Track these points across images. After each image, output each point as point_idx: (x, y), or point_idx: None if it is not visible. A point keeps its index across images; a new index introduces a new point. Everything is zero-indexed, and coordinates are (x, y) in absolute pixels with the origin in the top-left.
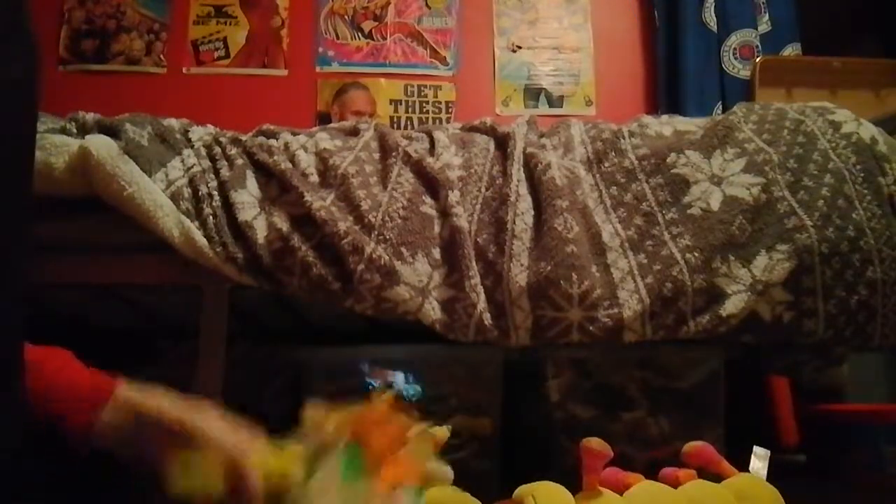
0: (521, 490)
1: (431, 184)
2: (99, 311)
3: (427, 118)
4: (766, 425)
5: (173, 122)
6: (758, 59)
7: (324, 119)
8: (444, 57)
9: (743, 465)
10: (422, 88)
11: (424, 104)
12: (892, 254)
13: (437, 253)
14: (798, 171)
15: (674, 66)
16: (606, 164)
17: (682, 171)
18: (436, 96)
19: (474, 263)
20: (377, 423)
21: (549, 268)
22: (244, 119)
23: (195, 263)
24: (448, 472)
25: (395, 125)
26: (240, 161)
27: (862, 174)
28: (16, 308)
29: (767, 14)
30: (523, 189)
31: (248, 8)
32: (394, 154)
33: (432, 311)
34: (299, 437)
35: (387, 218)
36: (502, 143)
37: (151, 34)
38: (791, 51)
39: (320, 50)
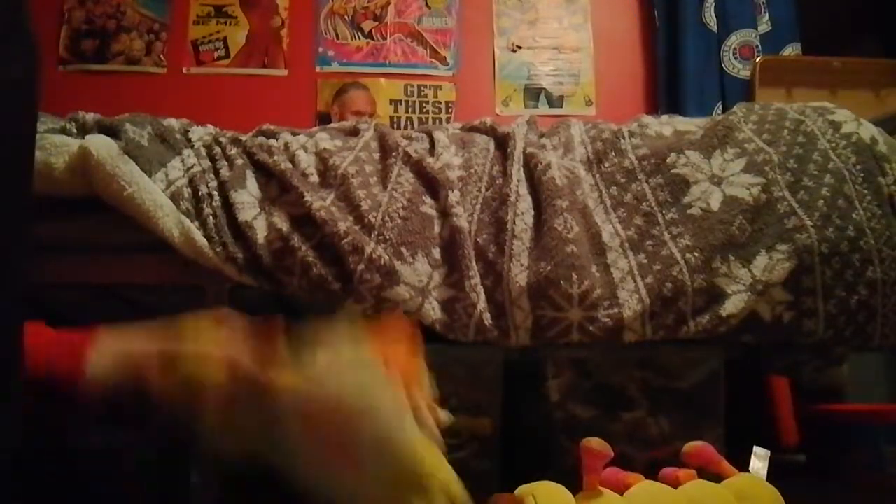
0: (521, 490)
1: (431, 184)
2: (99, 311)
3: (427, 118)
4: (766, 425)
5: (173, 122)
6: (758, 59)
7: (324, 119)
8: (444, 57)
9: (743, 465)
10: (422, 88)
11: (424, 104)
12: (892, 254)
13: (437, 253)
14: (798, 171)
15: (674, 66)
16: (606, 164)
17: (682, 171)
18: (436, 96)
19: (474, 263)
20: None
21: (549, 268)
22: (244, 119)
23: (195, 263)
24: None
25: (395, 125)
26: (240, 161)
27: (862, 174)
28: (16, 308)
29: (767, 14)
30: (523, 189)
31: (248, 8)
32: (394, 154)
33: (432, 311)
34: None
35: (387, 218)
36: (502, 143)
37: (151, 34)
38: (791, 51)
39: (320, 50)
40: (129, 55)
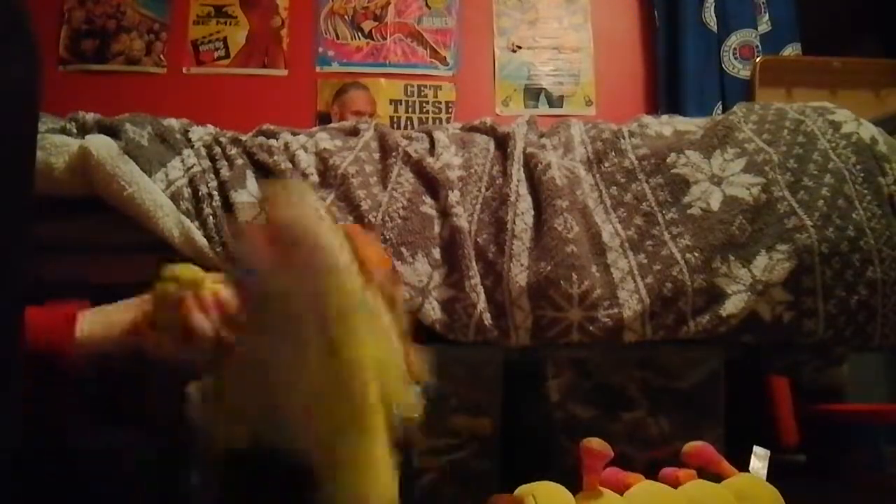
0: (521, 490)
1: (431, 184)
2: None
3: (427, 118)
4: (766, 425)
5: (173, 122)
6: (758, 59)
7: (324, 119)
8: (444, 57)
9: (743, 465)
10: (422, 88)
11: (424, 104)
12: (892, 254)
13: (437, 253)
14: (798, 171)
15: (674, 66)
16: (606, 164)
17: (682, 171)
18: (436, 96)
19: (474, 263)
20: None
21: (549, 268)
22: (244, 119)
23: (195, 263)
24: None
25: (395, 125)
26: (240, 161)
27: (862, 174)
28: (16, 308)
29: (767, 14)
30: (523, 189)
31: (248, 8)
32: (394, 154)
33: (432, 311)
34: None
35: (387, 218)
36: (502, 143)
37: (151, 34)
38: (791, 51)
39: (320, 50)
40: (129, 55)
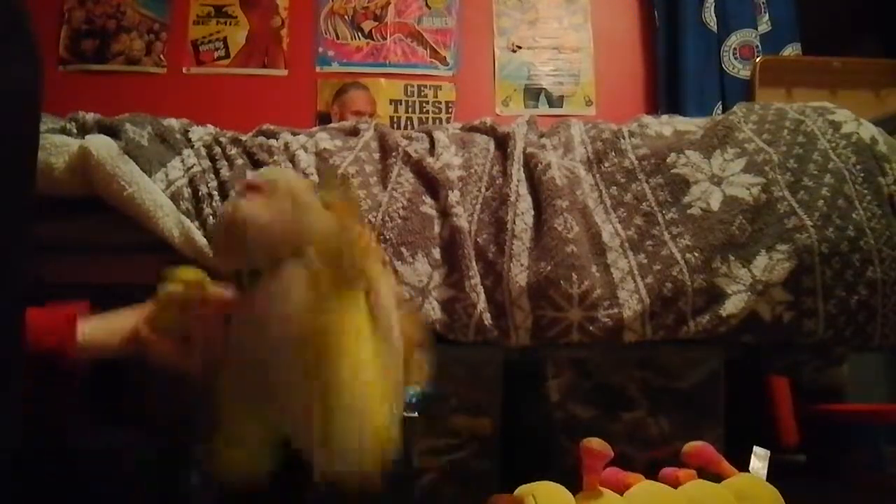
0: (521, 490)
1: (431, 184)
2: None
3: (427, 118)
4: (766, 425)
5: (173, 122)
6: (758, 59)
7: (324, 119)
8: (444, 57)
9: (743, 465)
10: (422, 88)
11: (424, 104)
12: (892, 254)
13: (437, 253)
14: (798, 171)
15: (674, 66)
16: (606, 164)
17: (682, 171)
18: (436, 96)
19: (474, 263)
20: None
21: (549, 268)
22: (244, 119)
23: (195, 263)
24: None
25: (395, 125)
26: (240, 161)
27: (862, 174)
28: (16, 308)
29: (767, 14)
30: (523, 189)
31: (248, 8)
32: (394, 154)
33: (432, 311)
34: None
35: (387, 218)
36: (502, 143)
37: (151, 34)
38: (791, 51)
39: (320, 50)
40: (129, 55)
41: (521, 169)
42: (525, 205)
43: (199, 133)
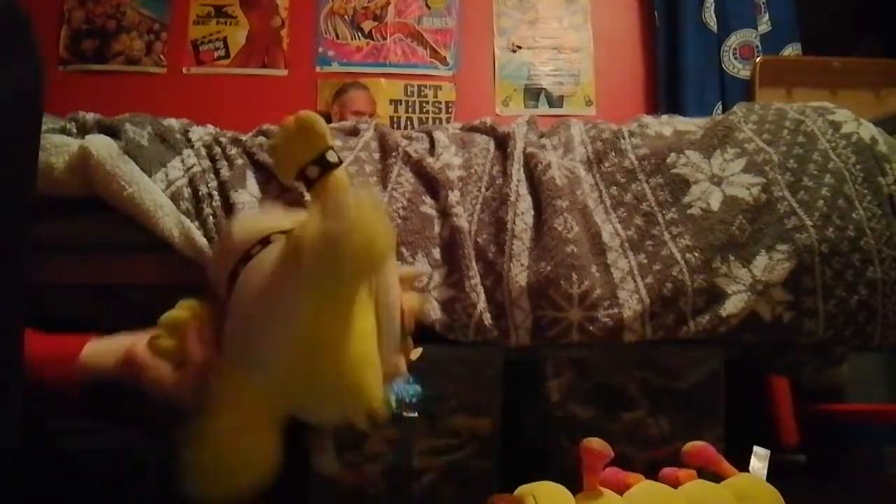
0: (521, 490)
1: (431, 184)
2: (99, 311)
3: (427, 118)
4: (766, 425)
5: (173, 122)
6: (758, 59)
7: (324, 119)
8: (444, 57)
9: (743, 465)
10: (422, 88)
11: (424, 104)
12: (892, 254)
13: (437, 253)
14: (798, 171)
15: (674, 66)
16: (606, 164)
17: (682, 171)
18: (436, 96)
19: (474, 263)
20: None
21: (549, 268)
22: (244, 119)
23: (195, 263)
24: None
25: (395, 125)
26: (240, 161)
27: (862, 174)
28: (16, 308)
29: (767, 14)
30: (523, 189)
31: (248, 8)
32: (394, 154)
33: (432, 311)
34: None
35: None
36: (502, 143)
37: (151, 34)
38: (791, 51)
39: (320, 50)
40: (129, 55)
41: (521, 169)
42: (525, 205)
43: (199, 133)
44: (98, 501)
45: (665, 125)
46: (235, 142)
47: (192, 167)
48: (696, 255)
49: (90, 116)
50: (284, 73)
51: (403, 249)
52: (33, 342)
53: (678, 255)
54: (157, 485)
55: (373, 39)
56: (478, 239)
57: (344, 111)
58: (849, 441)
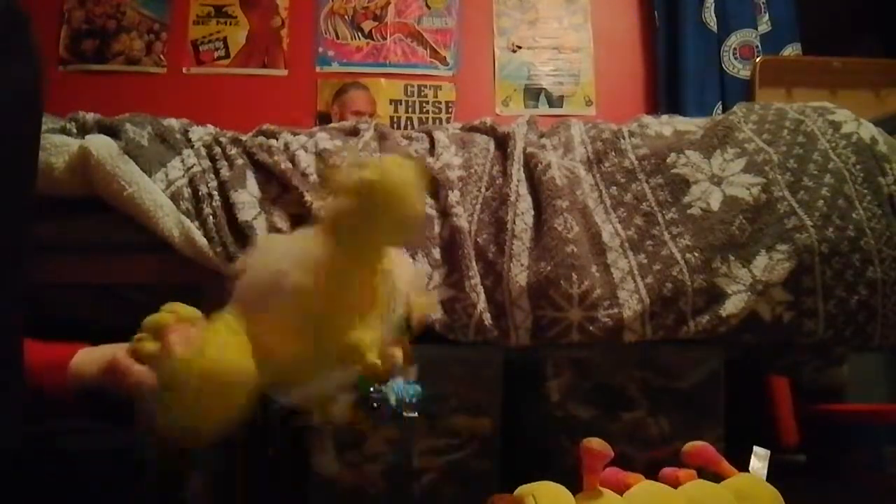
0: (521, 490)
1: (431, 184)
2: (99, 311)
3: (427, 118)
4: (766, 425)
5: (173, 122)
6: (758, 59)
7: (324, 119)
8: (444, 57)
9: (743, 465)
10: (422, 88)
11: (424, 104)
12: (892, 254)
13: (437, 253)
14: (798, 171)
15: (674, 66)
16: (606, 164)
17: (682, 171)
18: (436, 96)
19: (474, 263)
20: None
21: (549, 268)
22: (244, 119)
23: (195, 263)
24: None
25: (395, 125)
26: (240, 161)
27: (862, 174)
28: (16, 308)
29: (767, 14)
30: (523, 189)
31: (248, 8)
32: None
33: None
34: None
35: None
36: (502, 143)
37: (151, 34)
38: (791, 51)
39: (320, 50)
40: (129, 55)
41: (521, 169)
42: (525, 205)
43: (199, 133)
44: (98, 501)
45: (665, 125)
46: (235, 142)
47: (192, 167)
48: (696, 255)
49: (90, 116)
50: (284, 73)
51: (403, 249)
52: (30, 350)
53: (678, 255)
54: (158, 485)
55: (373, 39)
56: (478, 239)
57: (344, 111)
58: (849, 441)
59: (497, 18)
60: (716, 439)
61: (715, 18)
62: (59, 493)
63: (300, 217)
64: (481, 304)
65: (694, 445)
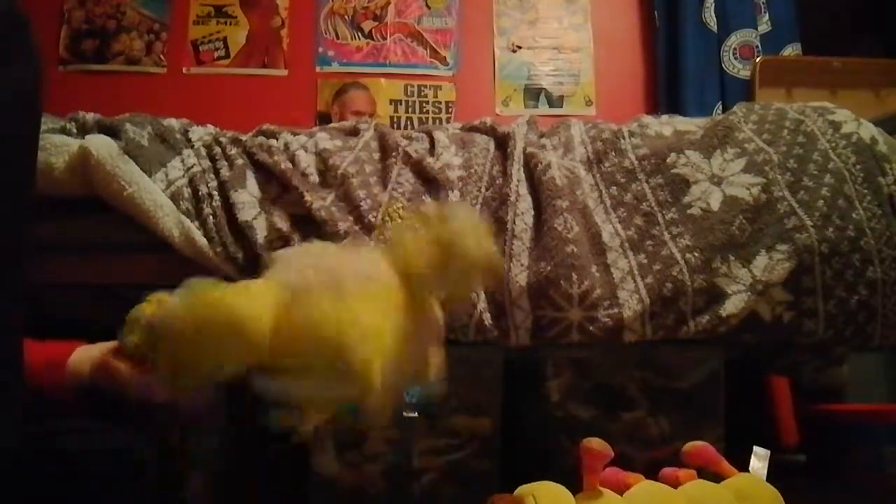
0: (521, 490)
1: (431, 184)
2: (99, 311)
3: (427, 118)
4: (766, 425)
5: (173, 122)
6: (758, 59)
7: (324, 119)
8: (444, 57)
9: (743, 465)
10: (422, 88)
11: (424, 104)
12: (892, 254)
13: None
14: (798, 171)
15: (674, 66)
16: (606, 164)
17: (682, 171)
18: (436, 96)
19: None
20: None
21: (549, 268)
22: (244, 119)
23: (195, 263)
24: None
25: (395, 125)
26: (240, 161)
27: (862, 174)
28: (16, 308)
29: (767, 14)
30: (523, 189)
31: (248, 8)
32: (394, 154)
33: None
34: None
35: (387, 218)
36: (502, 143)
37: (151, 34)
38: (791, 51)
39: (320, 50)
40: (129, 55)
41: (521, 169)
42: (525, 205)
43: (199, 133)
44: (98, 501)
45: (665, 125)
46: (235, 142)
47: (192, 167)
48: (696, 255)
49: (90, 116)
50: (284, 73)
51: None
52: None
53: (678, 255)
54: (158, 485)
55: (373, 39)
56: None
57: (344, 111)
58: (849, 441)
59: (497, 18)
60: (716, 439)
61: (715, 18)
62: (59, 493)
63: (300, 217)
64: (481, 304)
65: (694, 445)
